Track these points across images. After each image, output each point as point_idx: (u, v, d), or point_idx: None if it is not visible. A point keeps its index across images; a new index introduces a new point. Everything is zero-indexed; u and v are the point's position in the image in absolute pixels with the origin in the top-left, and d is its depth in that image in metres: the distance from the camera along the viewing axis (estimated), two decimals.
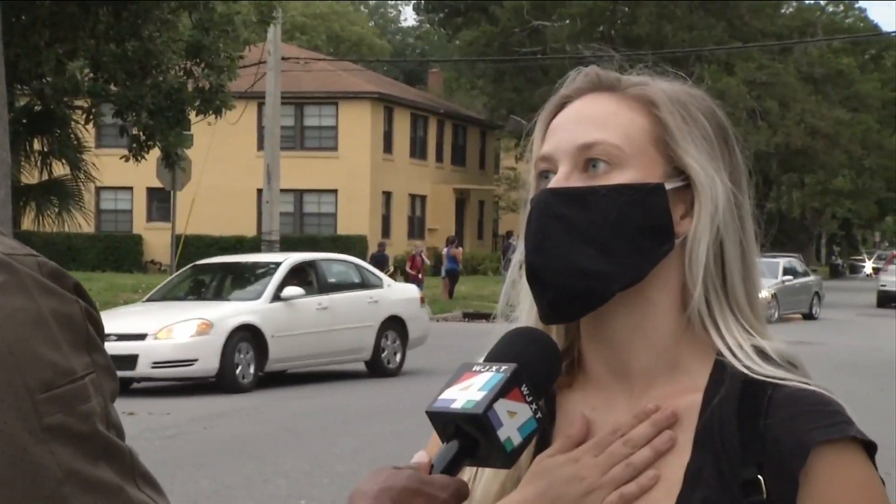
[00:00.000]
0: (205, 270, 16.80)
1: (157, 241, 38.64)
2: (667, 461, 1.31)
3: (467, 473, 1.34)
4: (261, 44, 24.38)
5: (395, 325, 16.55)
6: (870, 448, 1.29)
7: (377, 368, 16.34)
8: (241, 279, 16.40)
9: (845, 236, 78.04)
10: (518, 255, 1.40)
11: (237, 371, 14.55)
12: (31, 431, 0.90)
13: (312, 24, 60.73)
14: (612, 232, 1.31)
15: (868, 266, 60.69)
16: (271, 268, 15.95)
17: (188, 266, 17.19)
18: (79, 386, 0.93)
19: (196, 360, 14.24)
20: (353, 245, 42.00)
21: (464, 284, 33.02)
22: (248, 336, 14.76)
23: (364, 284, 16.67)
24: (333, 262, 17.06)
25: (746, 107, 41.63)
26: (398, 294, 17.04)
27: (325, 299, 15.86)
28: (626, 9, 45.46)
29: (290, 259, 16.05)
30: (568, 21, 45.04)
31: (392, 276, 28.62)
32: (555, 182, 1.33)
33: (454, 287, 31.01)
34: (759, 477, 1.27)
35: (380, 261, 28.47)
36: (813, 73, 44.62)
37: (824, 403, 1.28)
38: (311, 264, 16.21)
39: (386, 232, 41.89)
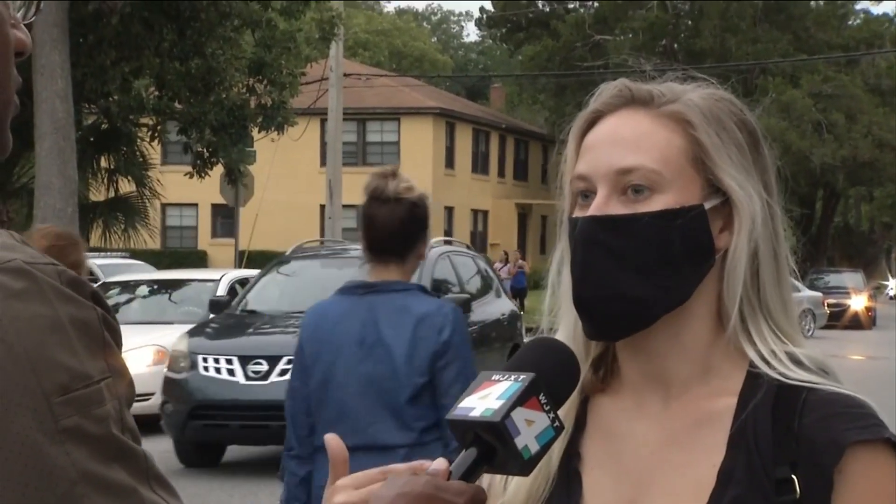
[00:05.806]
0: (124, 288, 14.42)
1: (221, 256, 39.00)
2: (700, 461, 1.33)
3: None
4: (323, 60, 24.56)
5: None
6: None
7: None
8: (172, 297, 14.35)
9: None
10: (556, 262, 1.43)
11: None
12: (47, 433, 0.93)
13: (375, 40, 61.08)
14: (656, 257, 1.33)
15: (892, 285, 48.85)
16: (207, 285, 14.01)
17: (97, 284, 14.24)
18: (94, 390, 0.96)
19: (153, 393, 11.90)
20: None
21: (527, 299, 32.91)
22: None
23: None
24: None
25: (812, 119, 41.11)
26: None
27: None
28: (689, 22, 45.16)
29: (228, 275, 14.23)
30: (630, 35, 44.83)
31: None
32: (595, 208, 1.35)
33: (522, 303, 30.75)
34: (793, 476, 1.28)
35: None
36: (880, 85, 43.93)
37: (858, 406, 1.31)
38: (244, 282, 14.06)
39: None
